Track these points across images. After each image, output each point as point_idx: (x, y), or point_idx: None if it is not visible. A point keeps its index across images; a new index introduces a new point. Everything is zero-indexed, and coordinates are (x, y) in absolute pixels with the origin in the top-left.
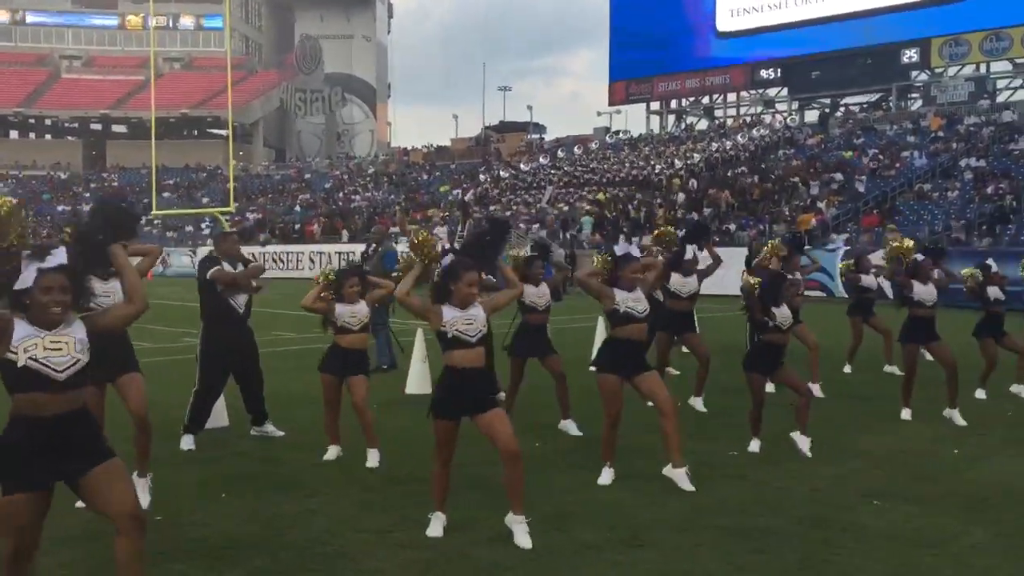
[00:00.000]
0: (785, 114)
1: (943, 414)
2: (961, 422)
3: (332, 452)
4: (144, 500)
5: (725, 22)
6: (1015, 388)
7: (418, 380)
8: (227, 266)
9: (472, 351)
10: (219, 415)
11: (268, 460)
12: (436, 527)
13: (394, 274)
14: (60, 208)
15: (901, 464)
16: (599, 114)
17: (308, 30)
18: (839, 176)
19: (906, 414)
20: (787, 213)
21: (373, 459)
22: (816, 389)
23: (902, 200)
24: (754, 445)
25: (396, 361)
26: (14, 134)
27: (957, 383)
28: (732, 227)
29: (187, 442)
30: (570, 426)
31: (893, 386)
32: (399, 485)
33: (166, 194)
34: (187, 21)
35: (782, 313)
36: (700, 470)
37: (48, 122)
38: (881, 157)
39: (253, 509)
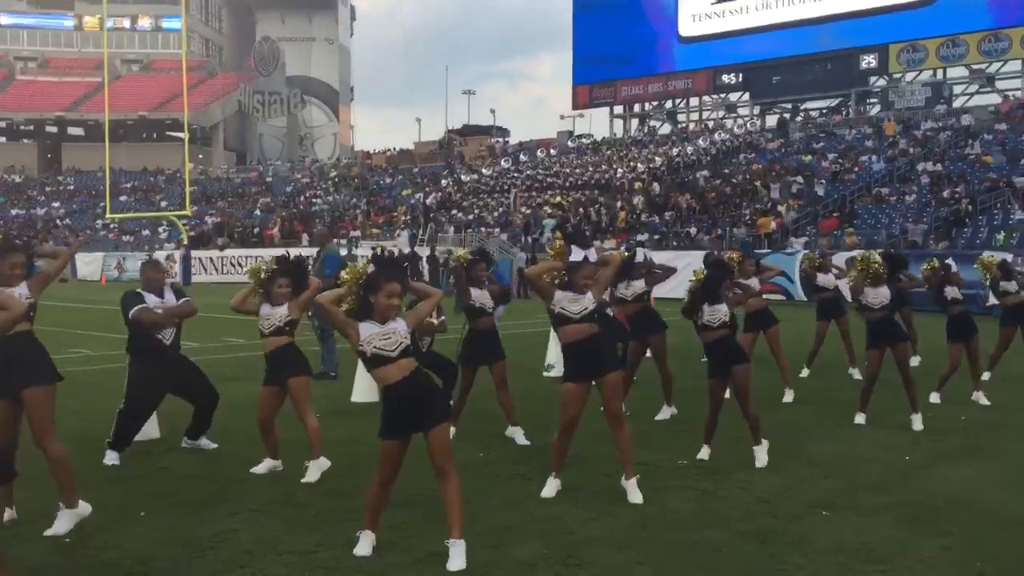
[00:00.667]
0: (746, 118)
1: (911, 417)
2: (919, 427)
3: (265, 466)
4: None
5: (687, 27)
6: (975, 396)
7: (364, 389)
8: (152, 298)
9: (395, 365)
10: (150, 428)
11: (197, 475)
12: (364, 546)
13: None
14: (14, 212)
15: (852, 472)
16: (562, 117)
17: (269, 32)
18: (800, 180)
19: (860, 419)
20: (747, 217)
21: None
22: (788, 395)
23: (860, 204)
24: (703, 453)
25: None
26: None
27: (914, 387)
28: (693, 230)
29: (111, 458)
30: (517, 434)
31: (851, 391)
32: (333, 500)
33: (123, 198)
34: (145, 22)
35: (714, 310)
36: (647, 480)
37: (3, 124)
38: (840, 161)
39: (173, 528)
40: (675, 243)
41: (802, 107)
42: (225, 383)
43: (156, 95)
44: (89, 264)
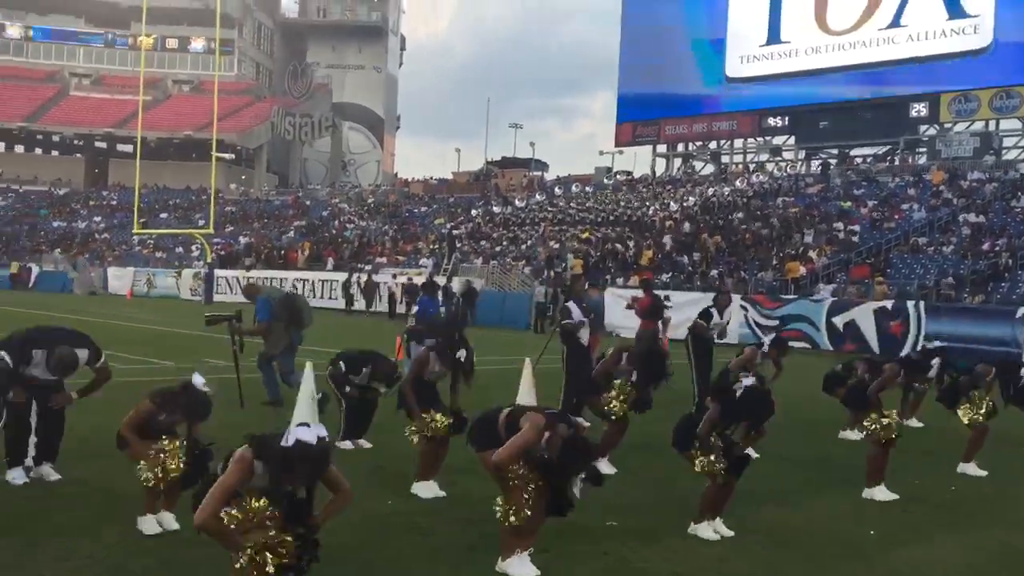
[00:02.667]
0: (788, 162)
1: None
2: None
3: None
4: None
5: (735, 68)
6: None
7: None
8: None
9: None
10: None
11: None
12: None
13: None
14: (55, 224)
15: (800, 545)
16: (601, 153)
17: (319, 59)
18: (839, 225)
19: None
20: (775, 261)
21: None
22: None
23: (896, 252)
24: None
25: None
26: (20, 148)
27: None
28: (719, 272)
29: (14, 476)
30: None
31: (840, 451)
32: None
33: (163, 215)
34: (198, 44)
35: None
36: (557, 542)
37: (56, 139)
38: (880, 209)
39: None
40: (699, 283)
41: (850, 153)
42: None
43: (204, 115)
44: (120, 279)
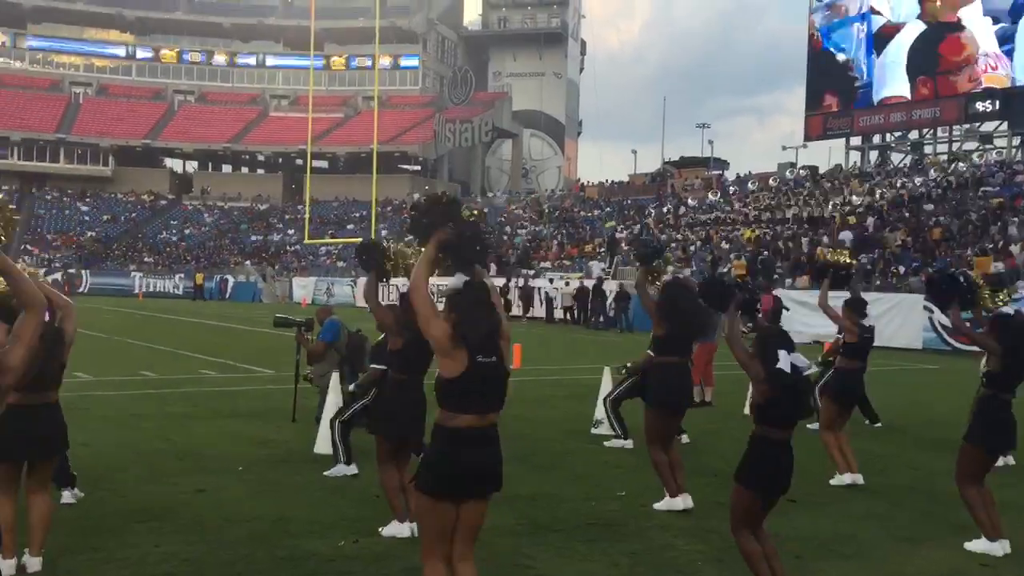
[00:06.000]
0: (998, 149)
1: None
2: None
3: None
4: None
5: None
6: None
7: (328, 438)
8: None
9: None
10: None
11: None
12: None
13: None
14: (253, 238)
15: None
16: (784, 148)
17: (501, 68)
18: None
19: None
20: (968, 256)
21: None
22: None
23: None
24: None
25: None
26: (226, 168)
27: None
28: (901, 269)
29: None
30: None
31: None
32: None
33: (350, 226)
34: (385, 61)
35: None
36: None
37: (261, 157)
38: None
39: None
40: (879, 283)
41: None
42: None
43: (390, 129)
44: (304, 288)
